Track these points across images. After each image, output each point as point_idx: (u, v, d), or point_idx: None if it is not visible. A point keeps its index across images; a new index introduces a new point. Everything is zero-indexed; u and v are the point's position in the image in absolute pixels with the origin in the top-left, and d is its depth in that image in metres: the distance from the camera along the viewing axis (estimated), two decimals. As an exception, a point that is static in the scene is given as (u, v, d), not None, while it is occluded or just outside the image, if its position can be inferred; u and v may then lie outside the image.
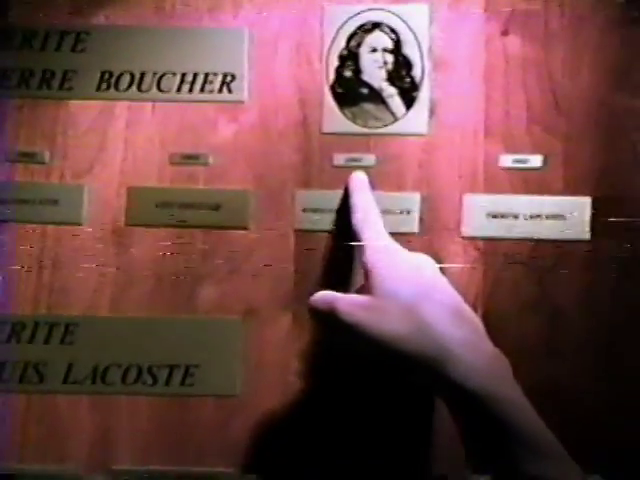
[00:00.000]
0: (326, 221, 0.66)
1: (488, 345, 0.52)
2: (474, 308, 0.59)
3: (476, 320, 0.53)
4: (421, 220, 0.65)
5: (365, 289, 0.54)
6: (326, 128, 0.67)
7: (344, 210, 0.63)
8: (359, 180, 0.62)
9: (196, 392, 0.66)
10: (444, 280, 0.55)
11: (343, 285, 0.63)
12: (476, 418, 0.49)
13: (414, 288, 0.53)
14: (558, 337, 0.64)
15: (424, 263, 0.56)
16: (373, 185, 0.64)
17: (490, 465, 0.49)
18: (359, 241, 0.56)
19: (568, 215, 0.64)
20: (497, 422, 0.48)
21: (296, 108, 0.67)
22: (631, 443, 0.61)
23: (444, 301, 0.53)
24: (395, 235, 0.61)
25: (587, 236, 0.64)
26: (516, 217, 0.64)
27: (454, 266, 0.64)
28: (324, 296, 0.55)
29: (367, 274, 0.54)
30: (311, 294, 0.57)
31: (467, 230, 0.65)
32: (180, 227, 0.67)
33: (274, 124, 0.67)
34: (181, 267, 0.67)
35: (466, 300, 0.58)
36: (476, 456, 0.50)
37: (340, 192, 0.65)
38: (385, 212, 0.63)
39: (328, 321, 0.54)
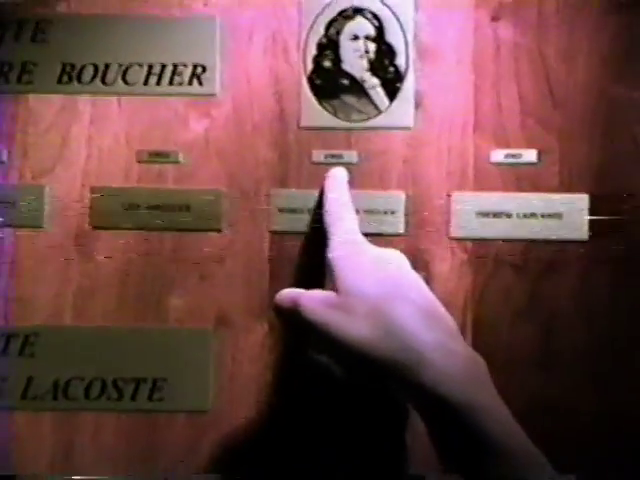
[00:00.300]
0: (304, 222, 0.63)
1: (463, 348, 0.49)
2: (462, 315, 0.61)
3: (450, 320, 0.51)
4: (406, 220, 0.63)
5: (331, 289, 0.52)
6: (304, 122, 0.64)
7: (319, 209, 0.60)
8: (336, 177, 0.60)
9: (165, 407, 0.63)
10: (415, 277, 0.52)
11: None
12: (447, 425, 0.47)
13: (381, 285, 0.50)
14: (553, 346, 0.62)
15: (393, 259, 0.53)
16: (354, 183, 0.62)
17: (461, 469, 0.47)
18: (327, 234, 0.54)
19: (564, 214, 0.62)
20: (469, 430, 0.46)
21: (272, 101, 0.64)
22: (632, 456, 0.60)
23: (415, 300, 0.50)
24: (379, 236, 0.61)
25: (585, 236, 0.62)
26: (508, 216, 0.62)
27: (441, 269, 0.63)
28: (289, 293, 0.53)
29: (331, 271, 0.52)
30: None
31: (456, 231, 0.63)
32: (148, 230, 0.64)
33: (248, 119, 0.64)
34: (149, 273, 0.65)
35: (454, 306, 0.58)
36: (447, 460, 0.48)
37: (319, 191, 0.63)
38: (368, 212, 0.62)
39: (292, 320, 0.52)
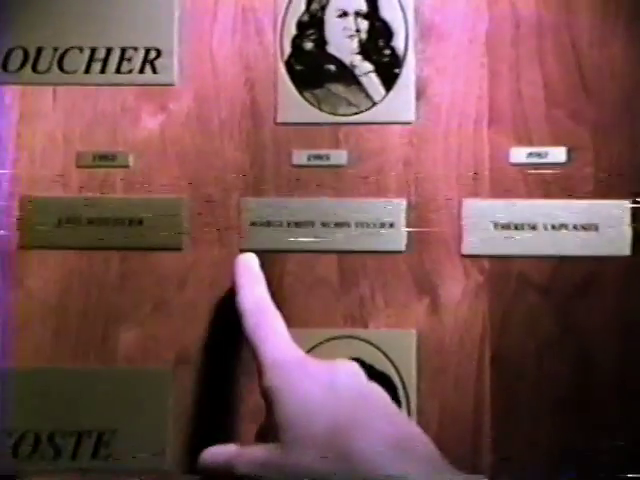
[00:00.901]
0: (283, 238, 0.59)
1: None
2: (479, 349, 0.58)
3: (428, 446, 0.45)
4: (408, 235, 0.59)
5: (269, 427, 0.47)
6: (282, 117, 0.60)
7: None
8: (245, 267, 0.55)
9: (113, 467, 0.58)
10: (377, 395, 0.48)
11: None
12: None
13: (333, 414, 0.45)
14: (589, 384, 0.58)
15: (344, 376, 0.48)
16: (344, 189, 0.60)
17: None
18: (252, 352, 0.50)
19: (601, 224, 0.58)
20: None
21: (242, 92, 0.61)
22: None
23: (377, 427, 0.44)
24: (377, 255, 0.59)
25: (626, 250, 0.58)
26: (534, 228, 0.58)
27: (452, 294, 0.59)
28: (214, 454, 0.49)
29: (269, 404, 0.47)
30: (265, 334, 0.51)
31: (469, 247, 0.59)
32: (92, 249, 0.60)
33: (214, 113, 0.61)
34: (93, 301, 0.60)
35: (468, 339, 0.57)
36: None
37: (303, 200, 0.60)
38: (361, 225, 0.59)
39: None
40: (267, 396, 0.47)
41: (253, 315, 0.52)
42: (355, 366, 0.49)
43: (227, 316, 0.58)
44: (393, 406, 0.48)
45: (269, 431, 0.47)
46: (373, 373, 0.57)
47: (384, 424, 0.45)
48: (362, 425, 0.44)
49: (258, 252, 0.58)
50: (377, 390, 0.48)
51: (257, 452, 0.47)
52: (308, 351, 0.57)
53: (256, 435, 0.51)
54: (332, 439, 0.43)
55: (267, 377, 0.48)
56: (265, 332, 0.51)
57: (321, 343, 0.58)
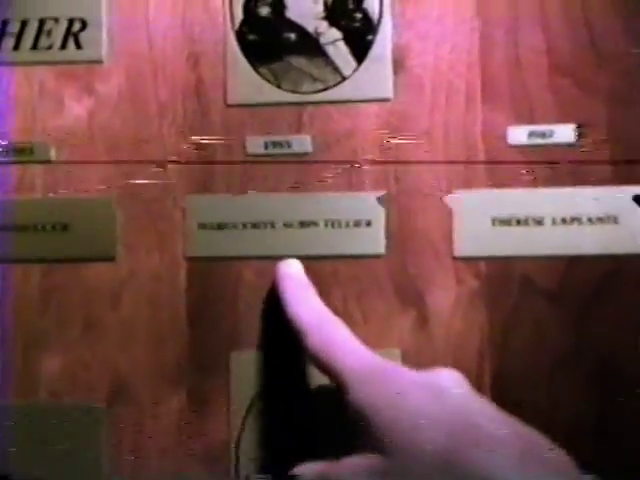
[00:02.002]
0: (237, 242, 0.55)
1: None
2: (478, 367, 0.54)
3: (554, 450, 0.44)
4: (388, 234, 0.55)
5: (363, 442, 0.45)
6: (233, 98, 0.56)
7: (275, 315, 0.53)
8: (293, 276, 0.54)
9: None
10: (487, 403, 0.46)
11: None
12: None
13: (442, 430, 0.43)
14: (609, 406, 0.54)
15: (450, 385, 0.47)
16: (309, 183, 0.56)
17: None
18: (322, 369, 0.48)
19: (620, 216, 0.54)
20: None
21: (185, 69, 0.57)
22: None
23: (498, 436, 0.43)
24: (352, 259, 0.55)
25: None
26: (539, 222, 0.55)
27: (442, 304, 0.55)
28: (307, 467, 0.48)
29: (362, 422, 0.45)
30: (217, 359, 0.52)
31: (462, 247, 0.56)
32: (8, 261, 0.56)
33: (151, 95, 0.57)
34: (9, 325, 0.56)
35: (464, 356, 0.54)
36: None
37: (260, 196, 0.56)
38: (332, 224, 0.55)
39: None
40: (359, 412, 0.46)
41: (318, 330, 0.50)
42: (456, 373, 0.48)
43: (173, 338, 0.56)
44: (502, 413, 0.46)
45: (363, 445, 0.46)
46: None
47: (506, 433, 0.44)
48: (483, 436, 0.43)
49: (208, 260, 0.55)
50: (483, 398, 0.48)
51: (359, 461, 0.45)
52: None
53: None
54: (448, 452, 0.43)
55: (355, 393, 0.47)
56: (337, 346, 0.49)
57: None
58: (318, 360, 0.49)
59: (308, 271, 0.54)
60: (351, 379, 0.47)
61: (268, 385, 0.55)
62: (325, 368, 0.49)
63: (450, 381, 0.47)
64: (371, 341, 0.52)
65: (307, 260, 0.54)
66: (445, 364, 0.51)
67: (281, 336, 0.53)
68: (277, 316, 0.53)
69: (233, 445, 0.55)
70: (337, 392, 0.48)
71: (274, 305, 0.53)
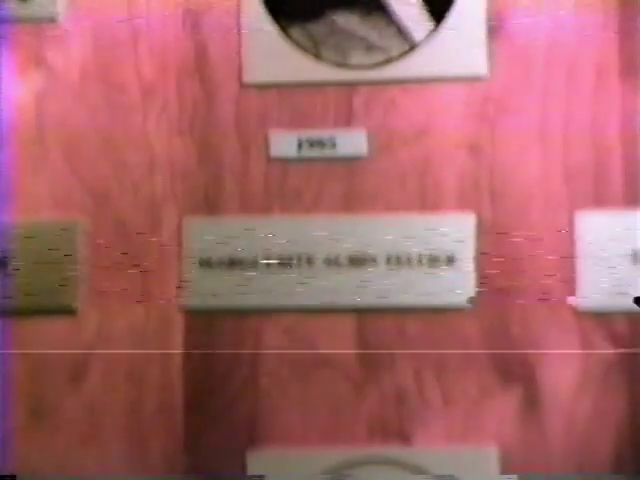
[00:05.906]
0: (254, 287, 0.43)
1: None
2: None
3: None
4: (480, 276, 0.44)
5: None
6: (251, 75, 0.44)
7: None
8: None
9: None
10: None
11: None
12: None
13: None
14: None
15: None
16: (356, 201, 0.44)
17: None
18: None
19: None
20: None
21: (180, 34, 0.45)
22: None
23: None
24: (426, 313, 0.43)
25: None
26: None
27: (559, 381, 0.44)
28: None
29: None
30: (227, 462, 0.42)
31: (591, 296, 0.45)
32: None
33: (129, 73, 0.45)
34: None
35: (597, 459, 0.43)
36: None
37: (288, 219, 0.44)
38: (395, 261, 0.43)
39: None
40: None
41: None
42: None
43: (161, 430, 0.44)
44: None
45: None
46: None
47: None
48: None
49: (213, 313, 0.44)
50: None
51: None
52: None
53: None
54: None
55: None
56: None
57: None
58: None
59: (363, 331, 0.43)
60: None
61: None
62: None
63: None
64: (455, 434, 0.43)
65: (361, 314, 0.43)
66: (565, 468, 0.42)
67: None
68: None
69: None
70: None
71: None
